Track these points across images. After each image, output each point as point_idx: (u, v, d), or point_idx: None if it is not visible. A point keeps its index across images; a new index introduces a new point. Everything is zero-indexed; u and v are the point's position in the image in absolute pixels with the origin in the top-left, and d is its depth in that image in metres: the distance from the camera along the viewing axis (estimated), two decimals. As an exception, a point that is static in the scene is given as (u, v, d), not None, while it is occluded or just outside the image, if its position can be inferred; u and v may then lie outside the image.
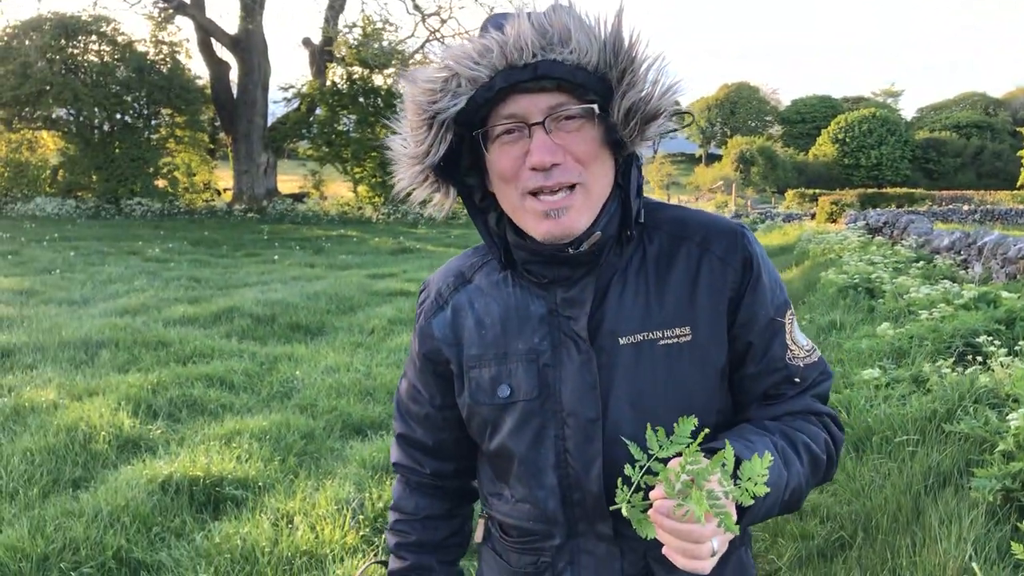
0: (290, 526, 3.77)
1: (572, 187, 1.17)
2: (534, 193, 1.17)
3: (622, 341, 1.24)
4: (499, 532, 1.40)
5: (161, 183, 28.21)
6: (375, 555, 3.51)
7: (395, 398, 1.52)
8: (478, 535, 1.49)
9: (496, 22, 1.17)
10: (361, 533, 3.72)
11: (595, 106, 1.16)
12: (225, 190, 31.52)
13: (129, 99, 27.76)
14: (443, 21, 32.08)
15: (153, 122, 28.78)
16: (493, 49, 1.12)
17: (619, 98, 1.15)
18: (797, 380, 1.29)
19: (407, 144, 1.23)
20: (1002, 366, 4.82)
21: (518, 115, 1.16)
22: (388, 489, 4.11)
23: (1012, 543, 2.65)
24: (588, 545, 1.30)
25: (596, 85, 1.14)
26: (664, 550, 1.02)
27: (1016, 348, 5.30)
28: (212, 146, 32.32)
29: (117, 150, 27.30)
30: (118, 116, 27.86)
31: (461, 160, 1.25)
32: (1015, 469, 3.52)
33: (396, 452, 1.52)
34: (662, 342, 1.24)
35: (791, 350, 1.29)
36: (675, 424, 1.06)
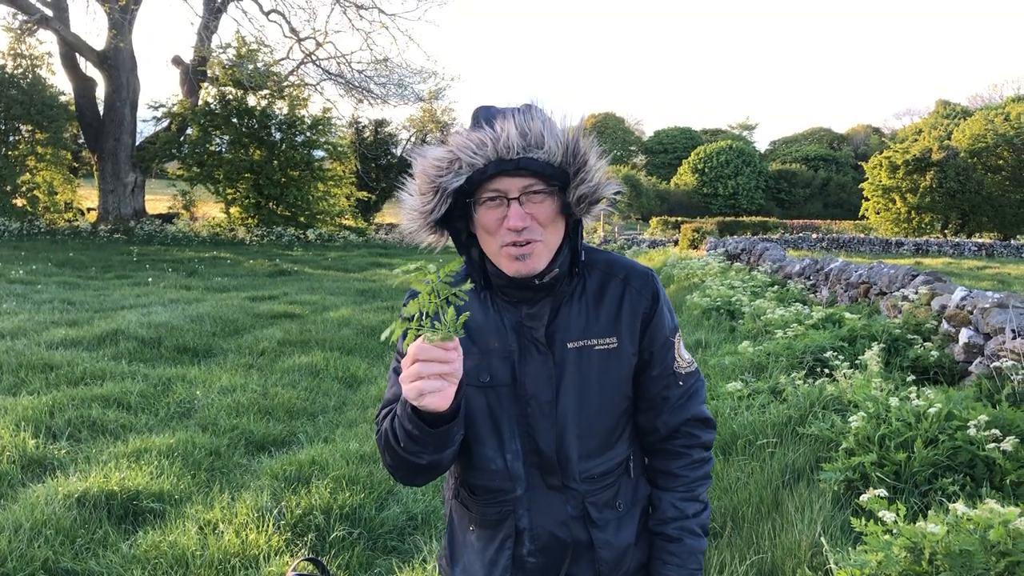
0: (216, 532, 3.99)
1: (535, 241, 1.62)
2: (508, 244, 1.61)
3: (569, 346, 1.71)
4: (467, 492, 1.80)
5: (19, 202, 26.86)
6: (304, 554, 3.78)
7: (392, 368, 1.81)
8: (448, 494, 1.87)
9: (487, 116, 1.61)
10: (284, 537, 3.98)
11: (556, 188, 1.62)
12: (89, 210, 30.19)
13: (-16, 113, 26.39)
14: (319, 44, 32.10)
15: (11, 138, 27.34)
16: (487, 144, 1.57)
17: (573, 188, 1.63)
18: (681, 383, 1.79)
19: (415, 201, 1.66)
20: (845, 377, 5.53)
21: (501, 190, 1.60)
22: (305, 498, 4.38)
23: (852, 519, 3.23)
24: (541, 495, 1.73)
25: (558, 175, 1.61)
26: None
27: (857, 362, 6.05)
28: (75, 164, 30.97)
29: (-30, 166, 25.87)
30: (-29, 131, 26.44)
31: (454, 212, 1.67)
32: (855, 463, 4.16)
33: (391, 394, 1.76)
34: (597, 347, 1.72)
35: (677, 361, 1.80)
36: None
